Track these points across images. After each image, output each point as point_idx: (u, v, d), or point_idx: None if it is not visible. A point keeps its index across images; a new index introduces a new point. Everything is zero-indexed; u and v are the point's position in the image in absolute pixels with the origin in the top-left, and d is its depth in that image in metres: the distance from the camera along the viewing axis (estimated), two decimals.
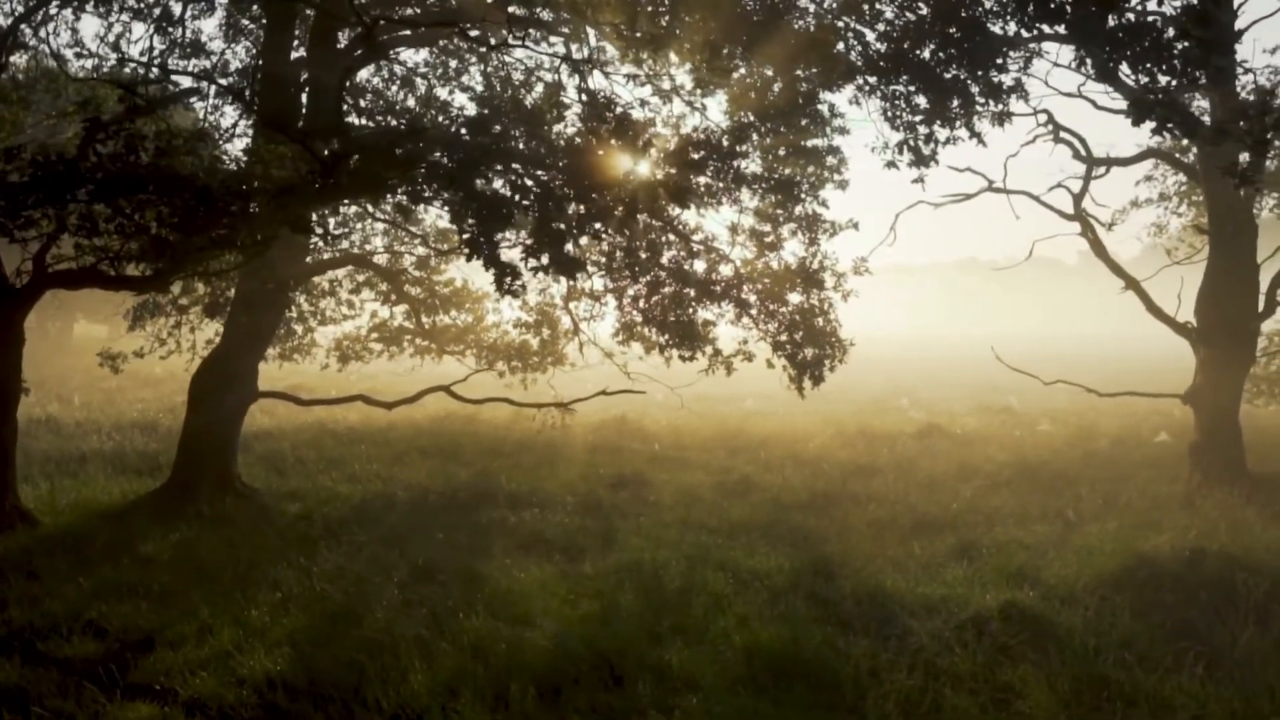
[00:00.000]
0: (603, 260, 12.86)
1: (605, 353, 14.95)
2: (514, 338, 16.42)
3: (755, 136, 11.63)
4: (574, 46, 14.32)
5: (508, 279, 6.05)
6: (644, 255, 12.07)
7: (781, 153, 12.34)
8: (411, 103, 16.04)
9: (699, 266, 12.33)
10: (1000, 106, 8.32)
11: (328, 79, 12.16)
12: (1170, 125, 7.32)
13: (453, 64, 16.33)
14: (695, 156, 10.86)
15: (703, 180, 11.34)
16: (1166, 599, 6.99)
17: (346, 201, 10.80)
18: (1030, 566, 8.16)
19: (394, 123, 14.67)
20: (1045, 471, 13.28)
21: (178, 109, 12.33)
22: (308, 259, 13.76)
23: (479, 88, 15.56)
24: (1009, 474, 13.01)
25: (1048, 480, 12.66)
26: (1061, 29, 7.27)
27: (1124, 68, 7.26)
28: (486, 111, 11.01)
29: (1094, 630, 6.73)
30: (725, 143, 10.91)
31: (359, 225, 15.26)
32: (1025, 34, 7.33)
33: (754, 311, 12.07)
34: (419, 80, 16.41)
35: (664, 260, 12.25)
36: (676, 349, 12.18)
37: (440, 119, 12.93)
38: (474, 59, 15.79)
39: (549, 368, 16.57)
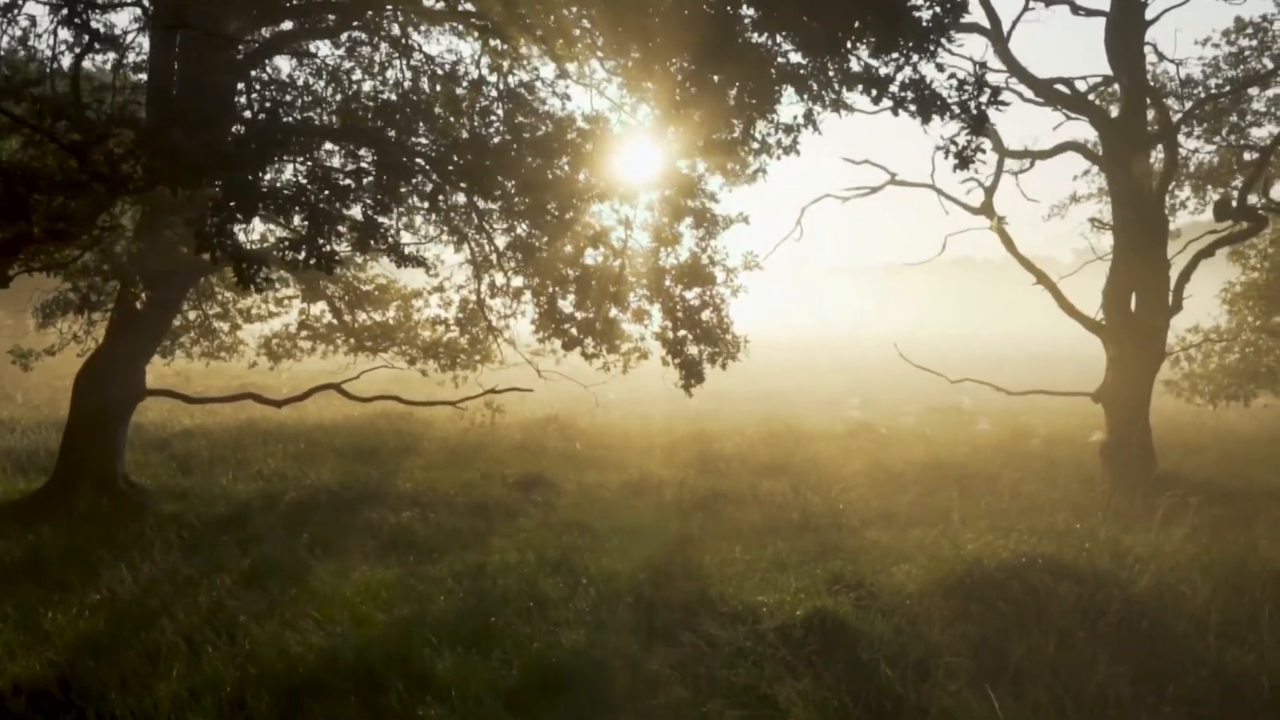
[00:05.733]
0: (517, 256, 12.77)
1: (529, 354, 14.77)
2: (440, 335, 16.29)
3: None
4: (494, 43, 14.18)
5: (250, 270, 5.88)
6: (542, 250, 11.95)
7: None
8: (340, 98, 15.93)
9: (594, 262, 12.14)
10: (838, 95, 7.93)
11: (215, 76, 12.04)
12: (905, 103, 6.96)
13: (378, 58, 16.20)
14: (587, 148, 10.73)
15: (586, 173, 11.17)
16: (975, 609, 6.68)
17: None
18: (868, 572, 7.86)
19: (327, 118, 14.55)
20: (957, 472, 12.91)
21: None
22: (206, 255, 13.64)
23: (407, 83, 15.44)
24: (916, 473, 12.66)
25: (953, 480, 12.30)
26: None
27: (849, 43, 6.92)
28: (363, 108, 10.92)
29: (898, 642, 6.44)
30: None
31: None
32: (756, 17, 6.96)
33: (647, 306, 11.84)
34: (344, 76, 16.30)
35: (565, 253, 12.12)
36: (579, 346, 12.04)
37: (358, 111, 12.79)
38: (397, 54, 15.66)
39: (477, 366, 16.44)
